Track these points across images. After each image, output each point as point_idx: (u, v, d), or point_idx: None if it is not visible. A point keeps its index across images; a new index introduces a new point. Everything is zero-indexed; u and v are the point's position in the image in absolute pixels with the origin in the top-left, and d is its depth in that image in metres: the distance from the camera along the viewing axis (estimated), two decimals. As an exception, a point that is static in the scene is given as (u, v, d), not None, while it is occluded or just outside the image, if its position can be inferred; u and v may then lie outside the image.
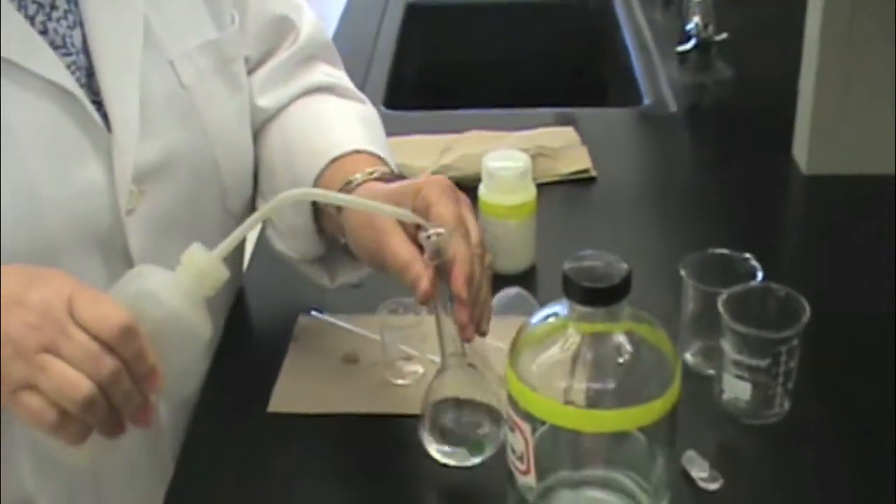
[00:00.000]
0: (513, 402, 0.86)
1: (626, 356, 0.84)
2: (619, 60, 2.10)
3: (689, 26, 1.92)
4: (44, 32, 1.02)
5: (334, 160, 1.16)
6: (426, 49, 2.28)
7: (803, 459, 1.10)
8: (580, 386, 0.84)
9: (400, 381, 1.19)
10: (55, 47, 1.03)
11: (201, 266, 0.91)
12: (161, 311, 0.89)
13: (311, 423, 1.15)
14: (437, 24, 2.32)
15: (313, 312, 1.29)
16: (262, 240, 1.49)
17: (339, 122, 1.25)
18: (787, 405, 1.13)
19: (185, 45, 1.12)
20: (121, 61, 1.06)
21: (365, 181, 1.12)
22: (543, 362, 0.85)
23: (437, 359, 1.20)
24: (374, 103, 1.80)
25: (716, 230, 1.45)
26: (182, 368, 0.94)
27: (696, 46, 1.91)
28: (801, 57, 1.61)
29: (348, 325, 1.27)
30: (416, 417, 1.14)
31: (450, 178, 1.52)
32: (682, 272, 1.16)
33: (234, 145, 1.19)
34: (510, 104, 1.90)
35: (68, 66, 1.03)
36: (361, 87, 1.86)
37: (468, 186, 1.51)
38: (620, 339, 0.84)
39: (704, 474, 1.05)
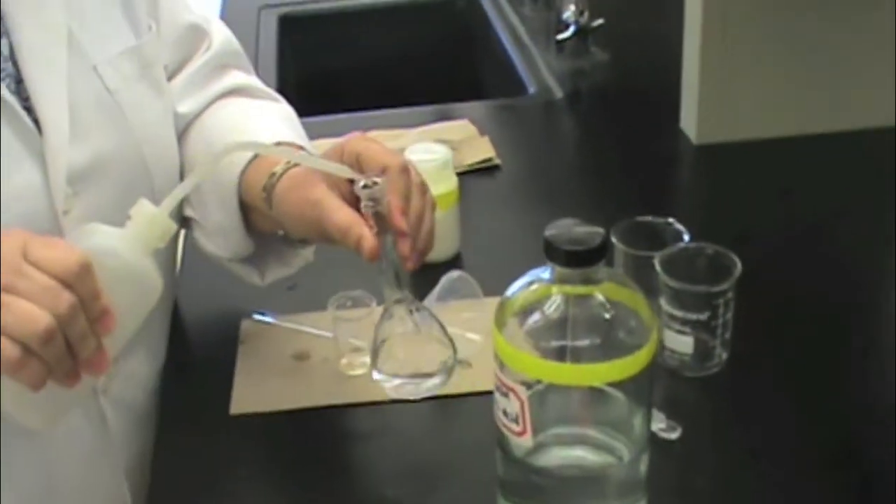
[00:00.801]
0: (504, 368, 0.90)
1: (610, 314, 0.88)
2: (495, 54, 2.16)
3: (566, 15, 1.99)
4: None
5: (254, 158, 1.18)
6: (303, 59, 2.31)
7: (748, 402, 1.17)
8: (570, 344, 0.88)
9: (354, 373, 1.22)
10: None
11: (150, 218, 0.93)
12: (116, 262, 0.91)
13: (275, 420, 1.18)
14: (312, 34, 2.35)
15: (255, 315, 1.32)
16: (190, 249, 1.51)
17: (258, 119, 1.28)
18: (724, 356, 1.20)
19: (107, 52, 1.15)
20: (47, 67, 1.08)
21: (286, 171, 1.14)
22: (532, 325, 0.89)
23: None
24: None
25: (623, 205, 1.51)
26: (137, 320, 0.96)
27: (574, 33, 1.98)
28: (675, 35, 1.68)
29: (293, 325, 1.30)
30: (377, 404, 1.18)
31: (362, 177, 1.59)
32: (613, 239, 1.22)
33: (162, 146, 1.21)
34: (390, 106, 1.93)
35: None
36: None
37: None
38: (602, 298, 0.88)
39: (663, 425, 1.11)
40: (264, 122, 1.26)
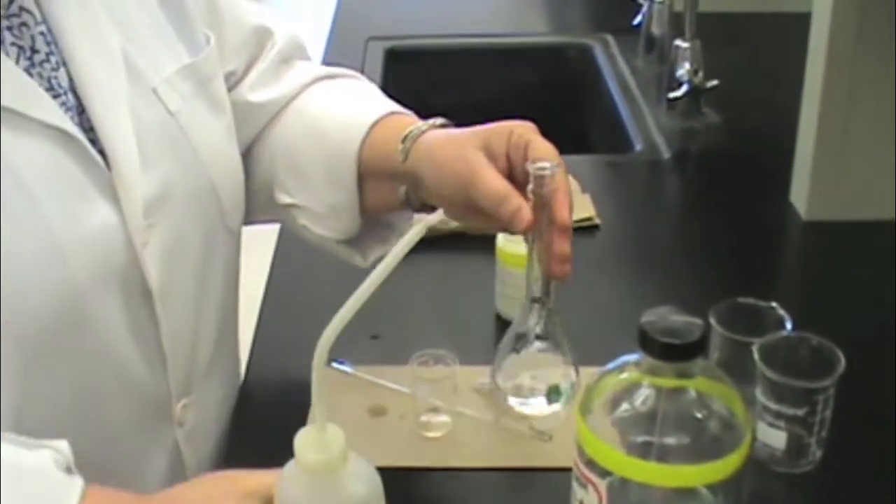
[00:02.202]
0: (586, 457, 0.86)
1: (703, 412, 0.84)
2: (603, 106, 2.11)
3: (680, 72, 1.94)
4: (30, 78, 0.99)
5: (374, 125, 1.18)
6: (407, 93, 2.28)
7: (840, 506, 1.12)
8: (657, 440, 0.84)
9: (431, 434, 1.19)
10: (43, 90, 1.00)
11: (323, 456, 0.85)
12: None
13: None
14: (417, 69, 2.33)
15: (335, 364, 1.28)
16: (272, 288, 1.48)
17: (359, 95, 1.27)
18: (819, 454, 1.14)
19: (164, 72, 1.11)
20: (109, 96, 1.04)
21: (427, 130, 1.14)
22: (619, 416, 0.85)
23: (467, 411, 1.20)
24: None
25: (724, 280, 1.46)
26: None
27: (687, 93, 1.93)
28: (789, 102, 1.63)
29: (372, 377, 1.26)
30: (453, 470, 1.13)
31: (455, 226, 1.55)
32: (712, 320, 1.17)
33: (226, 164, 1.18)
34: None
35: (60, 108, 1.00)
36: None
37: (475, 235, 1.52)
38: (695, 395, 0.84)
39: (748, 524, 1.05)
40: (368, 97, 1.27)
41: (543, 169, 1.00)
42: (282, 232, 1.58)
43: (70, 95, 1.02)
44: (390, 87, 2.17)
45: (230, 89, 1.25)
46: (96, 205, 1.00)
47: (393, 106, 1.22)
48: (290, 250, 1.55)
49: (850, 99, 1.53)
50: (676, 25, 2.04)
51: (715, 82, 1.93)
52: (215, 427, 1.23)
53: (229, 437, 1.24)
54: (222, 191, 1.16)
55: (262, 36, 1.30)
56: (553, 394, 1.08)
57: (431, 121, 1.16)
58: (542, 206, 1.01)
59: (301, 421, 1.18)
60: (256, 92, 1.27)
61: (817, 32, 1.54)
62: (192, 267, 1.12)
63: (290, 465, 0.85)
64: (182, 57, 1.14)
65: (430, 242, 1.52)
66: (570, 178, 1.66)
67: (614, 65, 2.20)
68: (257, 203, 1.28)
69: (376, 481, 0.86)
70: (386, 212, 1.24)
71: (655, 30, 2.18)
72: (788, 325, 1.17)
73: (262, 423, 1.23)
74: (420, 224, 0.93)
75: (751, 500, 1.07)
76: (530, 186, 1.01)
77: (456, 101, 2.31)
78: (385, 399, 1.23)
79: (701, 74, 1.93)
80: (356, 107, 1.23)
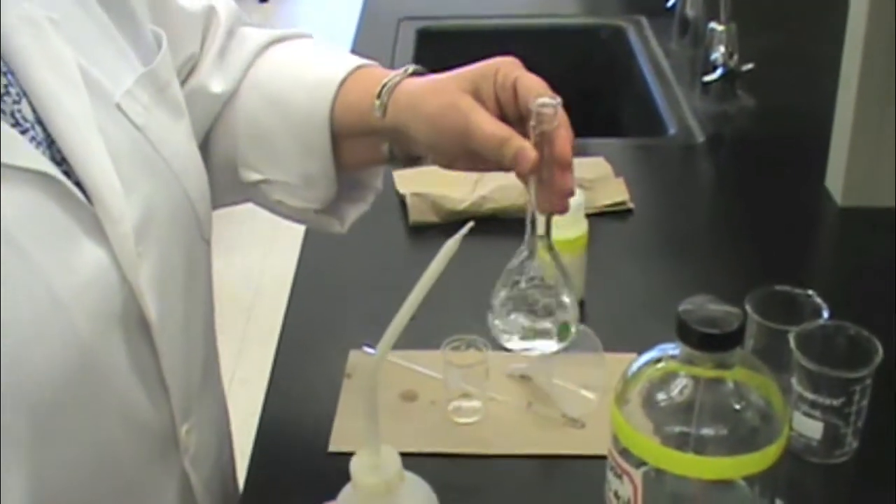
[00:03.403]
0: (620, 447, 0.85)
1: (741, 403, 0.82)
2: (636, 89, 2.09)
3: (714, 56, 1.92)
4: None
5: (342, 83, 1.12)
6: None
7: (876, 497, 1.10)
8: (694, 431, 0.83)
9: (462, 420, 1.18)
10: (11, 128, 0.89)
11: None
12: None
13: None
14: (449, 49, 2.30)
15: (365, 348, 1.27)
16: (302, 277, 1.48)
17: (319, 54, 1.21)
18: (855, 445, 1.12)
19: (123, 84, 1.01)
20: (77, 121, 0.93)
21: (402, 80, 1.08)
22: (656, 407, 0.83)
23: (499, 396, 1.19)
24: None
25: (759, 267, 1.45)
26: None
27: (722, 76, 1.91)
28: (826, 86, 1.61)
29: (404, 362, 1.25)
30: (484, 457, 1.13)
31: (487, 209, 1.54)
32: (748, 308, 1.15)
33: (195, 171, 1.09)
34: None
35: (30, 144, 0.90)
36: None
37: (506, 218, 1.52)
38: (733, 385, 0.82)
39: (784, 515, 1.04)
40: (329, 55, 1.19)
41: (546, 106, 0.98)
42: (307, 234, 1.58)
43: (38, 128, 0.91)
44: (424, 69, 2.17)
45: (188, 76, 1.19)
46: (84, 245, 0.91)
47: (358, 60, 1.15)
48: (316, 248, 1.54)
49: (887, 84, 1.51)
50: (711, 7, 2.02)
51: (750, 66, 1.91)
52: (214, 446, 1.17)
53: (255, 448, 1.21)
54: (196, 201, 1.08)
55: (210, 16, 1.22)
56: (563, 331, 1.05)
57: (404, 69, 1.10)
58: (543, 142, 0.98)
59: (328, 417, 1.18)
60: (215, 79, 1.19)
61: (855, 15, 1.52)
62: (180, 287, 1.04)
63: (347, 489, 0.84)
64: (135, 64, 1.05)
65: (461, 225, 1.52)
66: (604, 161, 1.66)
67: (648, 47, 2.18)
68: (221, 185, 1.18)
69: (432, 499, 0.86)
70: (366, 168, 1.20)
71: (690, 12, 2.16)
72: (825, 314, 1.15)
73: (286, 440, 1.22)
74: (453, 239, 0.90)
75: (786, 490, 1.06)
76: (532, 123, 0.98)
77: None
78: (416, 384, 1.23)
79: (736, 57, 1.91)
80: (319, 67, 1.16)
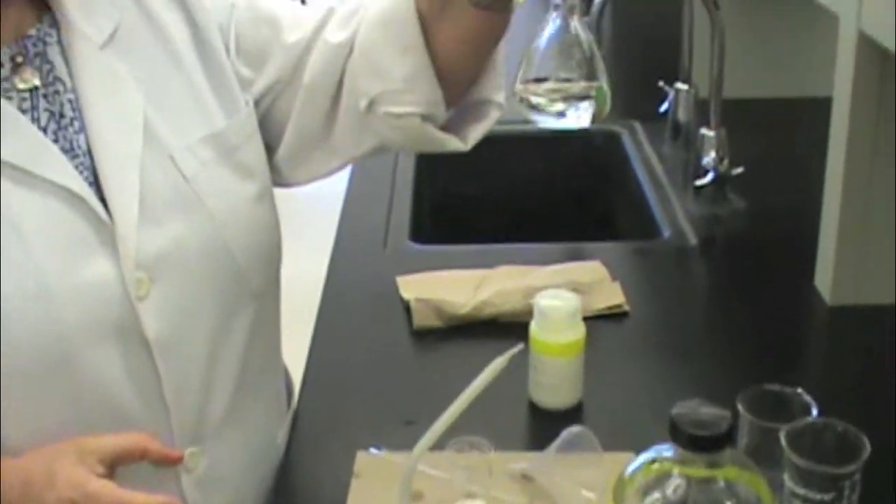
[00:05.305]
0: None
1: (731, 501, 0.87)
2: (631, 193, 2.15)
3: (706, 160, 1.98)
4: (56, 140, 1.11)
5: None
6: (439, 183, 2.33)
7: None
8: (688, 529, 0.87)
9: (468, 521, 1.22)
10: (65, 151, 1.11)
11: None
12: None
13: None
14: (448, 157, 2.36)
15: (372, 450, 1.32)
16: (313, 366, 1.52)
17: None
18: (846, 538, 1.16)
19: (186, 139, 1.19)
20: (120, 160, 1.13)
21: None
22: (651, 505, 0.88)
23: (503, 495, 1.23)
24: (401, 238, 1.86)
25: (752, 366, 1.49)
26: None
27: (713, 180, 1.97)
28: (813, 187, 1.67)
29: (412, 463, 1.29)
30: None
31: (488, 313, 1.59)
32: (740, 406, 1.20)
33: (247, 228, 1.23)
34: (521, 233, 1.95)
35: (76, 168, 1.11)
36: (386, 223, 1.92)
37: (507, 322, 1.57)
38: (724, 484, 0.87)
39: None
40: None
41: None
42: (320, 314, 1.63)
43: (87, 157, 1.13)
44: (423, 177, 2.23)
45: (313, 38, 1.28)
46: (94, 257, 1.10)
47: None
48: (324, 351, 1.59)
49: (871, 182, 1.57)
50: (702, 112, 2.09)
51: (740, 169, 1.98)
52: (233, 477, 1.27)
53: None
54: (239, 253, 1.21)
55: (288, 22, 1.31)
56: (600, 95, 1.03)
57: None
58: None
59: None
60: (334, 34, 1.28)
61: (838, 118, 1.58)
62: (204, 324, 1.19)
63: None
64: (216, 121, 1.22)
65: (465, 329, 1.58)
66: (600, 265, 1.72)
67: (642, 152, 2.24)
68: (350, 131, 1.29)
69: None
70: (463, 43, 1.22)
71: (681, 116, 2.23)
72: (814, 411, 1.20)
73: None
74: (502, 357, 0.95)
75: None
76: None
77: (486, 187, 2.37)
78: (422, 484, 1.26)
79: (726, 162, 1.98)
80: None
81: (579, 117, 1.05)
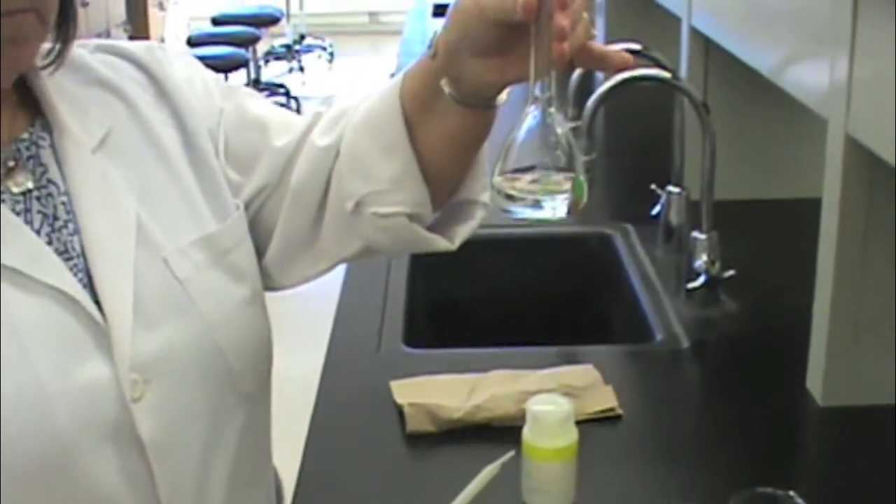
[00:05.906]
0: None
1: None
2: (624, 295, 2.16)
3: (697, 264, 1.99)
4: (49, 242, 1.13)
5: (405, 75, 1.21)
6: (433, 286, 2.34)
7: None
8: None
9: None
10: (59, 254, 1.13)
11: None
12: None
13: None
14: (442, 261, 2.38)
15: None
16: (304, 480, 1.52)
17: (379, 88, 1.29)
18: None
19: (179, 242, 1.20)
20: (115, 262, 1.14)
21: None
22: None
23: None
24: (395, 342, 1.87)
25: (745, 467, 1.50)
26: None
27: (705, 283, 1.98)
28: (804, 289, 1.68)
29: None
30: None
31: (481, 417, 1.59)
32: (732, 511, 1.20)
33: (239, 330, 1.24)
34: (514, 336, 1.96)
35: (71, 269, 1.12)
36: (380, 327, 1.94)
37: (500, 427, 1.57)
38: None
39: None
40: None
41: None
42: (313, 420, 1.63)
43: (81, 259, 1.14)
44: (416, 280, 2.24)
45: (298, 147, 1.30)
46: (90, 359, 1.11)
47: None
48: (317, 455, 1.59)
49: (862, 283, 1.58)
50: (694, 214, 2.10)
51: (731, 272, 1.99)
52: None
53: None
54: (231, 354, 1.22)
55: (278, 126, 1.33)
56: (578, 188, 1.04)
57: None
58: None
59: None
60: (321, 138, 1.29)
61: (827, 219, 1.59)
62: (197, 425, 1.19)
63: None
64: (207, 224, 1.23)
65: (458, 434, 1.58)
66: (593, 368, 1.72)
67: (634, 254, 2.26)
68: (336, 232, 1.30)
69: None
70: (448, 142, 1.22)
71: (673, 219, 2.24)
72: (806, 515, 1.20)
73: None
74: (493, 465, 0.95)
75: None
76: None
77: (479, 290, 2.38)
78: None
79: (718, 265, 1.99)
80: (390, 83, 1.25)
81: (555, 208, 1.07)
